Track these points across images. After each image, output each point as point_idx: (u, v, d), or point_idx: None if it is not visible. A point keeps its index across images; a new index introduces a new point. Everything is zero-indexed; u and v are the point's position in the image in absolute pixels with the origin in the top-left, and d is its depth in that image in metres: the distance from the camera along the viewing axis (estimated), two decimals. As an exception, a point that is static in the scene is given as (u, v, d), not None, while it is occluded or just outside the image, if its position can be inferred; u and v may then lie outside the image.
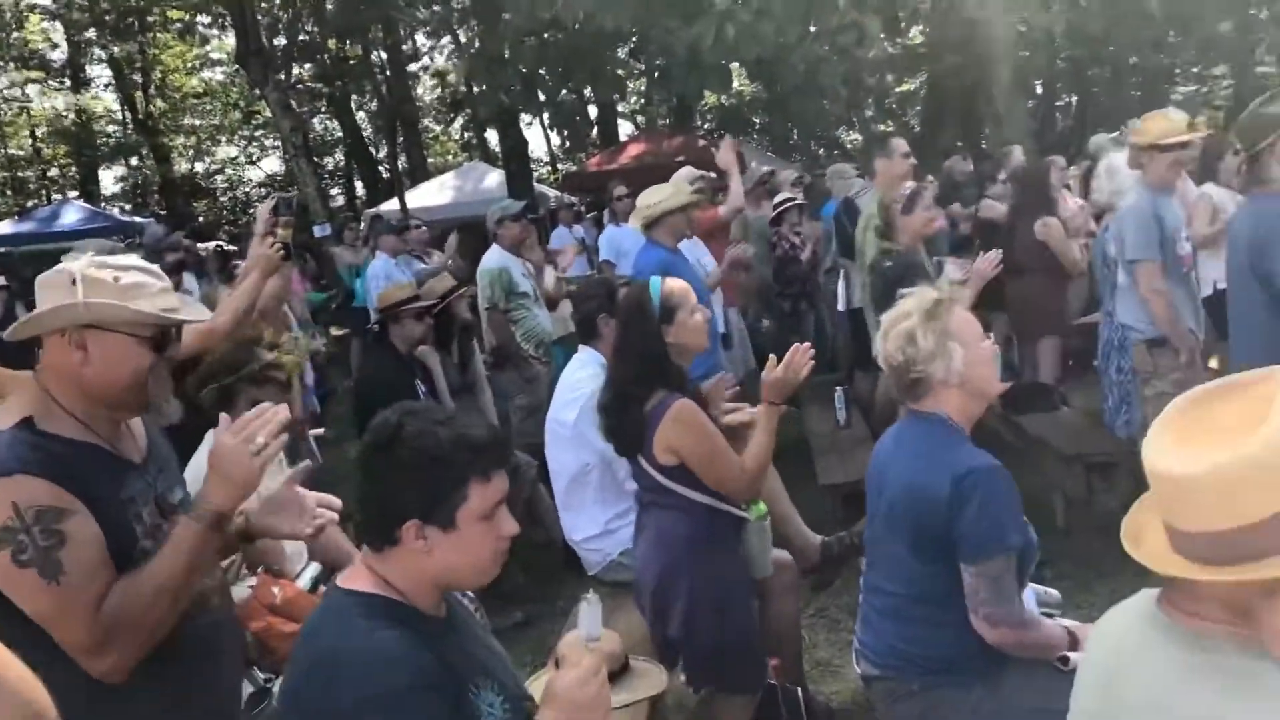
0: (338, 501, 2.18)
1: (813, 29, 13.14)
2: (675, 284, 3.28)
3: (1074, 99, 20.33)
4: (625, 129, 23.82)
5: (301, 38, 21.42)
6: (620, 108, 23.30)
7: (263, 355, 3.40)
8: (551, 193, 18.28)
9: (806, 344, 3.18)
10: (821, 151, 20.82)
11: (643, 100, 24.87)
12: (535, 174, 21.77)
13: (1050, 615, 2.64)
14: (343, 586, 1.77)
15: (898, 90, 20.97)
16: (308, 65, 23.27)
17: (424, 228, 10.32)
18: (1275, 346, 3.60)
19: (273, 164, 30.22)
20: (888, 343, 2.50)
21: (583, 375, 3.96)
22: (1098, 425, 5.42)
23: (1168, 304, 4.61)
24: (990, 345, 2.54)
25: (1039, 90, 19.82)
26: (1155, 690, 1.32)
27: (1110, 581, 4.18)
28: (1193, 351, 4.61)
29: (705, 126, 22.10)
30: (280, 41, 20.69)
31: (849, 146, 19.95)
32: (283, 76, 20.01)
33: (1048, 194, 6.72)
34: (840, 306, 5.99)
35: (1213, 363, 4.66)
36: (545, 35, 13.42)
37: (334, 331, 11.33)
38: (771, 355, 3.20)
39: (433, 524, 1.70)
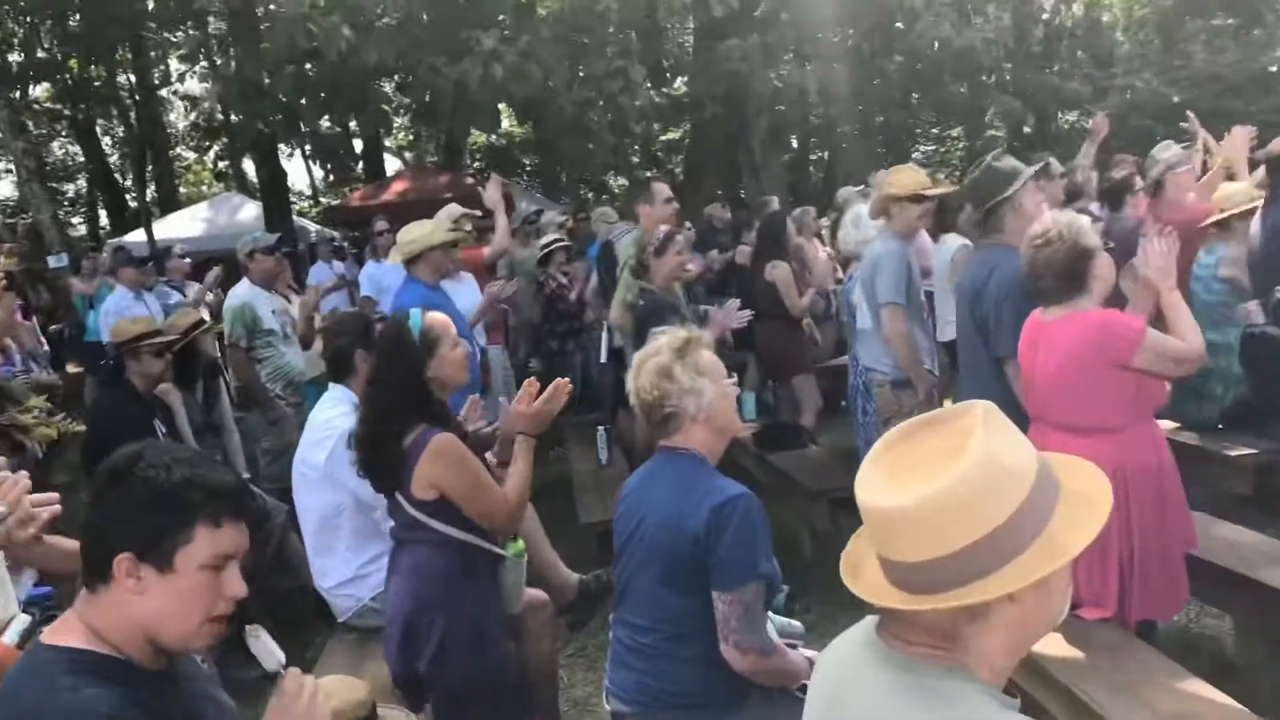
0: (55, 495, 2.09)
1: (580, 73, 13.42)
2: (436, 317, 3.22)
3: (826, 154, 21.55)
4: (393, 165, 23.43)
5: (40, 54, 19.89)
6: (388, 143, 22.91)
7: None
8: (312, 227, 17.68)
9: (566, 380, 3.22)
10: (590, 195, 21.14)
11: (411, 136, 24.55)
12: (296, 207, 21.03)
13: (793, 646, 2.71)
14: (47, 642, 1.62)
15: (663, 138, 21.60)
16: (45, 85, 21.61)
17: (187, 258, 9.82)
18: (1003, 387, 3.85)
19: (4, 188, 27.83)
20: (640, 379, 2.54)
21: (334, 414, 3.81)
22: (843, 462, 5.70)
23: (911, 346, 4.86)
24: (732, 384, 2.62)
25: (794, 144, 20.92)
26: (870, 714, 1.36)
27: (854, 613, 4.31)
28: (930, 391, 4.90)
29: (474, 165, 22.02)
30: (15, 58, 19.14)
31: (616, 190, 20.36)
32: (16, 95, 18.51)
33: (782, 240, 7.05)
34: (603, 345, 6.07)
35: (948, 401, 4.99)
36: (306, 66, 13.05)
37: (70, 368, 10.55)
38: (524, 385, 3.24)
39: (148, 562, 1.59)
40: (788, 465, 5.96)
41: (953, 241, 6.21)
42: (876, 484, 1.35)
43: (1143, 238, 4.05)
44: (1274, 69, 18.95)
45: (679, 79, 19.31)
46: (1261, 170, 5.61)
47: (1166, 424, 5.33)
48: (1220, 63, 17.65)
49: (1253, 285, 5.07)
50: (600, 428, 6.30)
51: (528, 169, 23.43)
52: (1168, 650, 3.44)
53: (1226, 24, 19.86)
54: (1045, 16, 20.15)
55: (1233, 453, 5.04)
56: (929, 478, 1.28)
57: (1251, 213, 5.30)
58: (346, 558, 3.82)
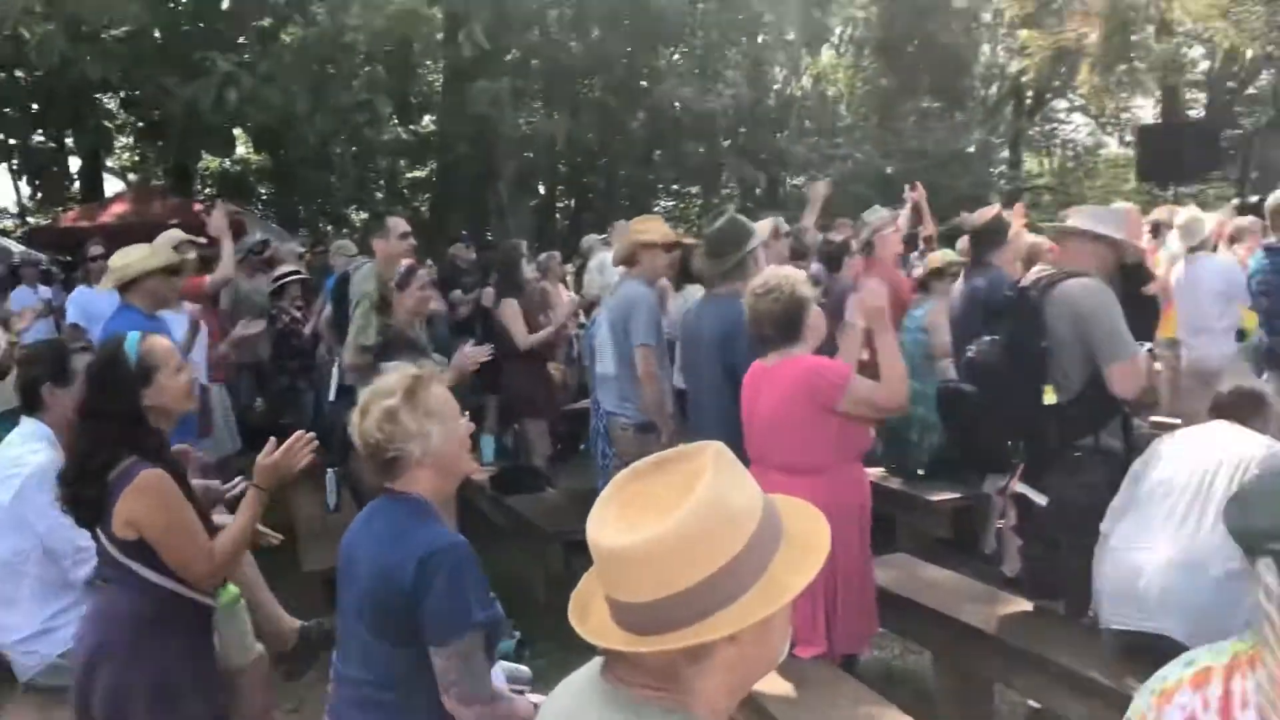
0: None
1: (325, 103, 13.04)
2: (157, 341, 2.98)
3: (572, 202, 21.93)
4: (115, 186, 21.80)
5: None
6: (110, 163, 21.32)
7: None
8: (16, 248, 16.14)
9: (310, 434, 3.03)
10: (330, 228, 20.48)
11: (136, 157, 22.97)
12: (-1, 225, 19.19)
13: (521, 692, 2.67)
14: None
15: (409, 175, 21.30)
16: None
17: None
18: (736, 429, 3.98)
19: None
20: (365, 420, 2.42)
21: (22, 450, 3.45)
22: (581, 506, 5.72)
23: (661, 389, 4.97)
24: (466, 425, 2.55)
25: (542, 190, 21.16)
26: None
27: (587, 656, 4.34)
28: (673, 435, 5.01)
29: (205, 191, 20.86)
30: None
31: (357, 224, 19.83)
32: None
33: (516, 277, 7.06)
34: (333, 383, 5.83)
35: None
36: (16, 72, 11.99)
37: None
38: (272, 439, 3.00)
39: None
40: (524, 508, 5.94)
41: (695, 291, 6.45)
42: (607, 523, 1.35)
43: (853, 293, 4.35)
44: (972, 149, 20.99)
45: (427, 117, 19.14)
46: (964, 239, 6.20)
47: (876, 470, 5.72)
48: (928, 140, 19.37)
49: (953, 342, 5.54)
50: (329, 470, 6.05)
51: (264, 198, 22.44)
52: (874, 684, 3.66)
53: (934, 107, 21.84)
54: (777, 87, 21.45)
55: (934, 498, 5.46)
56: (658, 518, 1.29)
57: (948, 273, 5.84)
58: (31, 609, 3.44)
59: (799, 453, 3.53)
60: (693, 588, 1.27)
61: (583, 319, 7.87)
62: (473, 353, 4.92)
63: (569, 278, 9.44)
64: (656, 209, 19.51)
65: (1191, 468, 3.23)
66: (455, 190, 17.64)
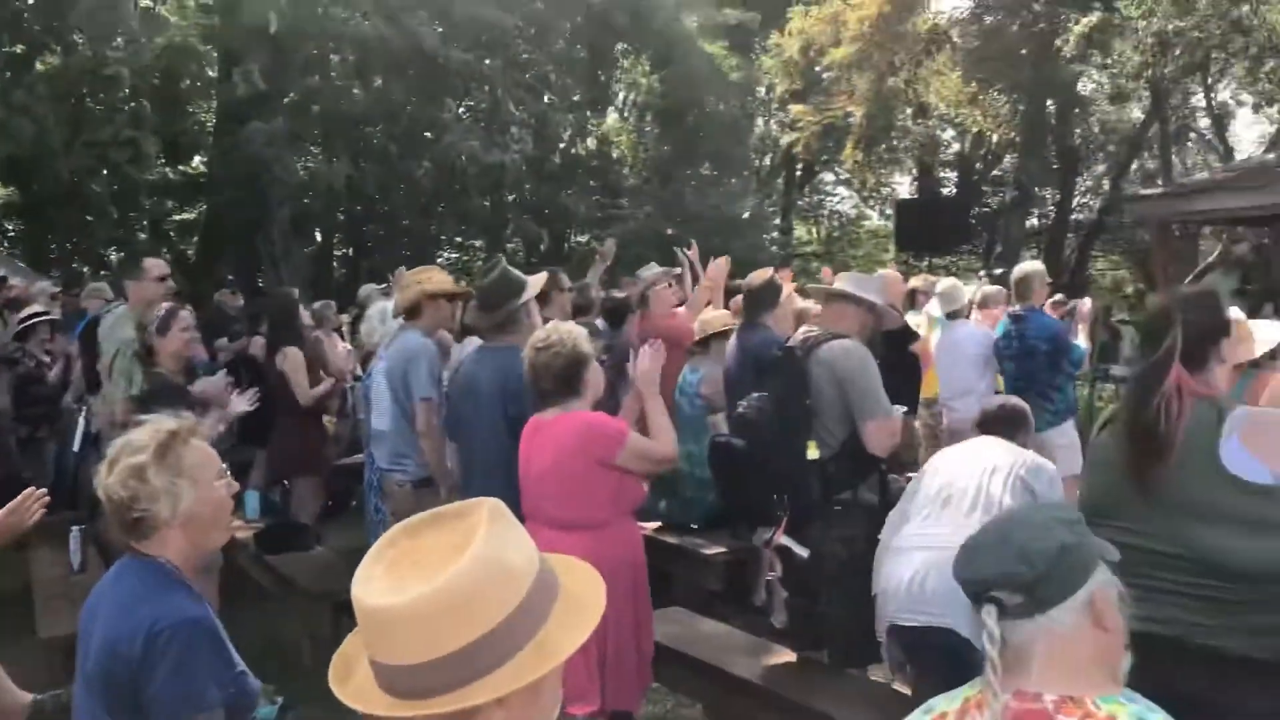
0: None
1: (82, 138, 12.26)
2: None
3: (350, 251, 21.40)
4: None
5: None
6: None
7: None
8: None
9: (42, 491, 2.78)
10: (86, 269, 19.14)
11: None
12: None
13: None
14: None
15: (176, 217, 20.23)
16: None
17: None
18: (514, 480, 3.94)
19: None
20: (111, 475, 2.22)
21: None
22: (350, 564, 5.51)
23: (441, 444, 4.83)
24: (227, 485, 2.38)
25: (319, 237, 20.55)
26: None
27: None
28: (452, 491, 4.90)
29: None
30: None
31: (116, 266, 18.62)
32: None
33: (295, 326, 6.83)
34: (78, 432, 5.42)
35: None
36: None
37: None
38: None
39: None
40: (291, 568, 5.67)
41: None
42: (373, 582, 1.30)
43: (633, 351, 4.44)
44: (746, 215, 21.94)
45: (198, 157, 18.32)
46: (739, 298, 6.43)
47: (652, 525, 5.80)
48: (705, 205, 20.10)
49: (726, 400, 5.72)
50: (74, 528, 5.58)
51: (10, 235, 20.76)
52: (647, 739, 3.69)
53: (711, 173, 22.72)
54: (563, 145, 21.78)
55: (707, 551, 5.58)
56: (428, 576, 1.25)
57: (728, 335, 6.04)
58: None
59: (574, 508, 3.53)
60: (462, 650, 1.23)
61: (359, 370, 7.65)
62: (239, 400, 4.70)
63: (344, 328, 9.17)
64: (439, 260, 19.31)
65: (969, 471, 3.45)
66: (226, 234, 16.90)
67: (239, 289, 10.49)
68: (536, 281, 4.46)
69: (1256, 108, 21.68)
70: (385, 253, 18.63)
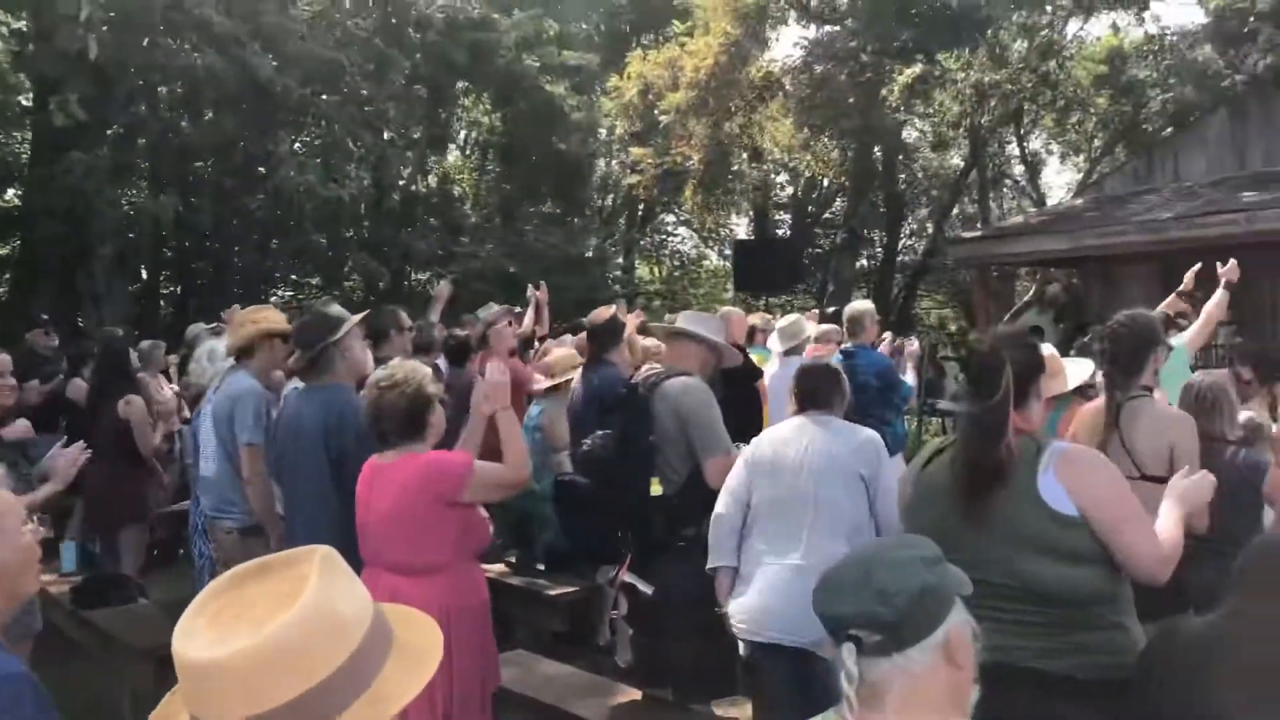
0: None
1: None
2: None
3: (178, 288, 20.52)
4: None
5: None
6: None
7: None
8: None
9: None
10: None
11: None
12: None
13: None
14: None
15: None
16: None
17: None
18: (342, 524, 3.82)
19: None
20: None
21: None
22: (175, 617, 5.24)
23: (269, 490, 4.66)
24: (31, 533, 2.21)
25: (144, 274, 19.63)
26: None
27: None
28: (281, 538, 4.72)
29: None
30: None
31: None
32: None
33: (128, 372, 6.53)
34: None
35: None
36: None
37: None
38: None
39: None
40: (110, 623, 5.35)
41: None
42: (196, 635, 1.24)
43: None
44: (590, 254, 22.10)
45: (10, 190, 17.32)
46: (582, 336, 6.46)
47: (497, 567, 5.73)
48: (547, 243, 20.16)
49: (571, 437, 5.71)
50: None
51: None
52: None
53: (554, 212, 22.83)
54: (403, 182, 21.49)
55: (551, 592, 5.54)
56: (254, 628, 1.20)
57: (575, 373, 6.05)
58: None
59: (418, 552, 3.41)
60: (288, 704, 1.19)
61: (185, 412, 7.33)
62: (69, 454, 4.37)
63: (171, 369, 8.76)
64: (273, 298, 18.70)
65: (800, 478, 3.53)
66: (41, 270, 15.97)
67: (54, 328, 9.87)
68: (354, 319, 4.34)
69: (1064, 157, 23.29)
70: (216, 290, 17.93)
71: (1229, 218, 9.80)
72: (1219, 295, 5.20)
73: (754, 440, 3.86)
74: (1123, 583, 2.61)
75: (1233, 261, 5.31)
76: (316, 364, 4.22)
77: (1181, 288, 5.77)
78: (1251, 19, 13.80)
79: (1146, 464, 3.54)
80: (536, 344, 7.78)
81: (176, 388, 7.99)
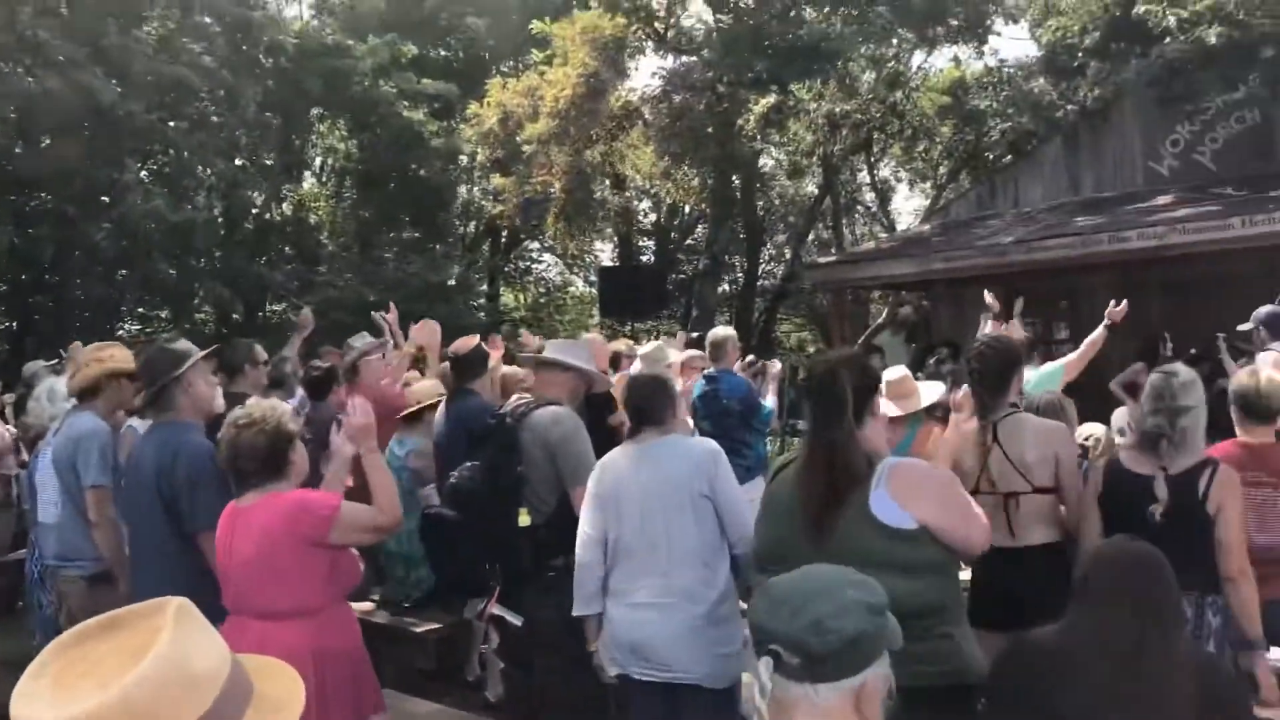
0: None
1: None
2: None
3: (14, 324, 19.42)
4: None
5: None
6: None
7: None
8: None
9: None
10: None
11: None
12: None
13: None
14: None
15: None
16: None
17: None
18: (187, 571, 3.65)
19: None
20: None
21: None
22: (13, 675, 4.95)
23: (118, 534, 4.44)
24: None
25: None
26: None
27: None
28: (131, 587, 4.51)
29: None
30: None
31: None
32: None
33: None
34: None
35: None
36: None
37: None
38: None
39: None
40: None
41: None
42: (38, 696, 1.17)
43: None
44: (452, 281, 21.88)
45: None
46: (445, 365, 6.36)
47: (364, 606, 5.58)
48: (408, 271, 19.87)
49: (437, 470, 5.62)
50: None
51: None
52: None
53: (414, 238, 22.52)
54: (256, 210, 20.89)
55: (419, 629, 5.42)
56: (100, 686, 1.14)
57: (436, 405, 5.94)
58: None
59: (285, 597, 3.23)
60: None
61: (23, 455, 6.94)
62: None
63: (7, 410, 8.29)
64: (119, 333, 17.88)
65: (638, 524, 3.53)
66: None
67: None
68: (199, 354, 4.16)
69: (912, 184, 24.22)
70: (56, 325, 17.02)
71: (1064, 241, 10.30)
72: (1099, 331, 5.47)
73: (593, 474, 3.78)
74: (955, 594, 2.73)
75: (1125, 303, 5.53)
76: (158, 401, 4.03)
77: (989, 309, 5.96)
78: (1080, 54, 14.61)
79: (1035, 476, 3.67)
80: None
81: (13, 429, 7.57)
